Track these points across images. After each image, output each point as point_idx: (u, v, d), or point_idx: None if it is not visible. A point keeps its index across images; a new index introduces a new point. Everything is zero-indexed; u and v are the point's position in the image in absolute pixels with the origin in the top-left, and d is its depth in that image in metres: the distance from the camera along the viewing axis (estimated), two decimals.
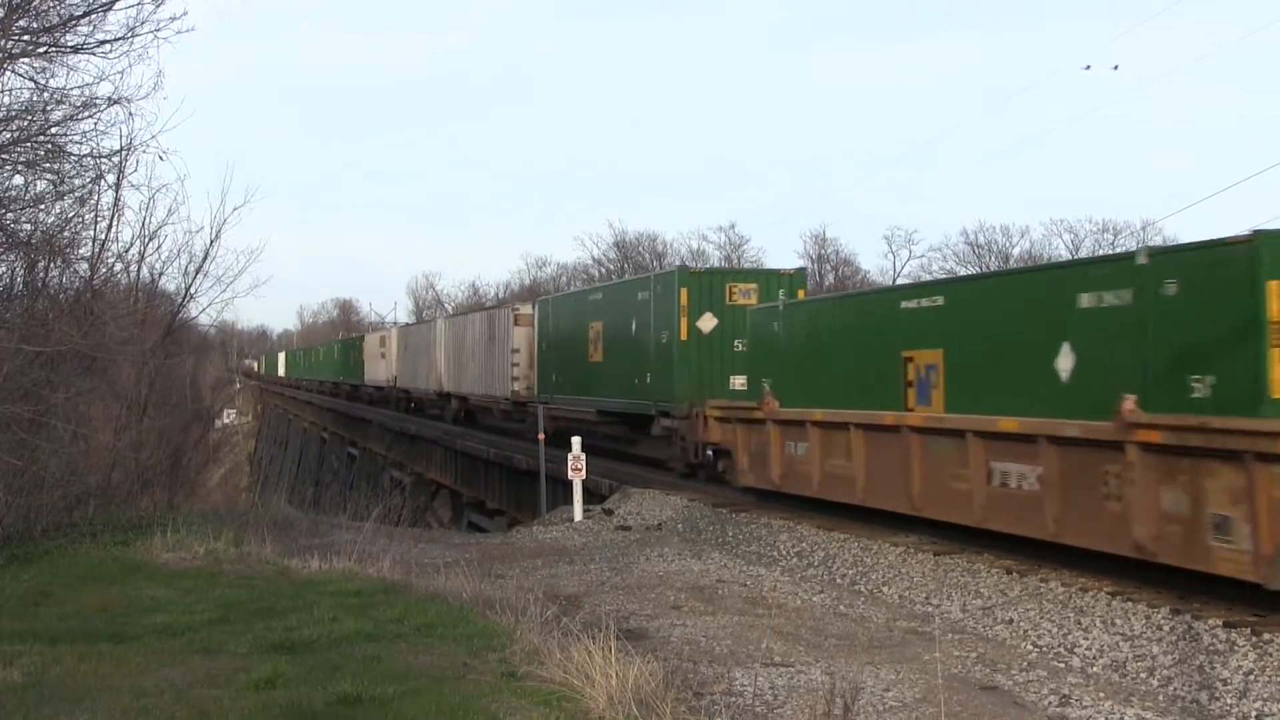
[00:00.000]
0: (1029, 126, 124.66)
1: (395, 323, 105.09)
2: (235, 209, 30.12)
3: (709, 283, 24.40)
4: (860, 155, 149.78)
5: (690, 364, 23.64)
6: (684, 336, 23.65)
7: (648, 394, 24.98)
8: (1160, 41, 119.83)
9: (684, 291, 23.94)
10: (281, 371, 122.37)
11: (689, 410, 22.67)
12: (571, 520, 21.33)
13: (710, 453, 22.15)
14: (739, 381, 22.86)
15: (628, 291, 27.69)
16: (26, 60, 16.09)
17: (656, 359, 24.65)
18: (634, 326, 26.25)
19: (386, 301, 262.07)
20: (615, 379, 27.12)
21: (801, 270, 26.02)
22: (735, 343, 23.41)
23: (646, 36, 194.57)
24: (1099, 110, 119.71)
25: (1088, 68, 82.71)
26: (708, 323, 23.74)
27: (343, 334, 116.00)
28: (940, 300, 15.85)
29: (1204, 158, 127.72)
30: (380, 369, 62.15)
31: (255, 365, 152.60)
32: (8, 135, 16.23)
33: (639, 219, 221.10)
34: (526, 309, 36.35)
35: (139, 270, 25.40)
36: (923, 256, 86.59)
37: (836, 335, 18.47)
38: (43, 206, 18.31)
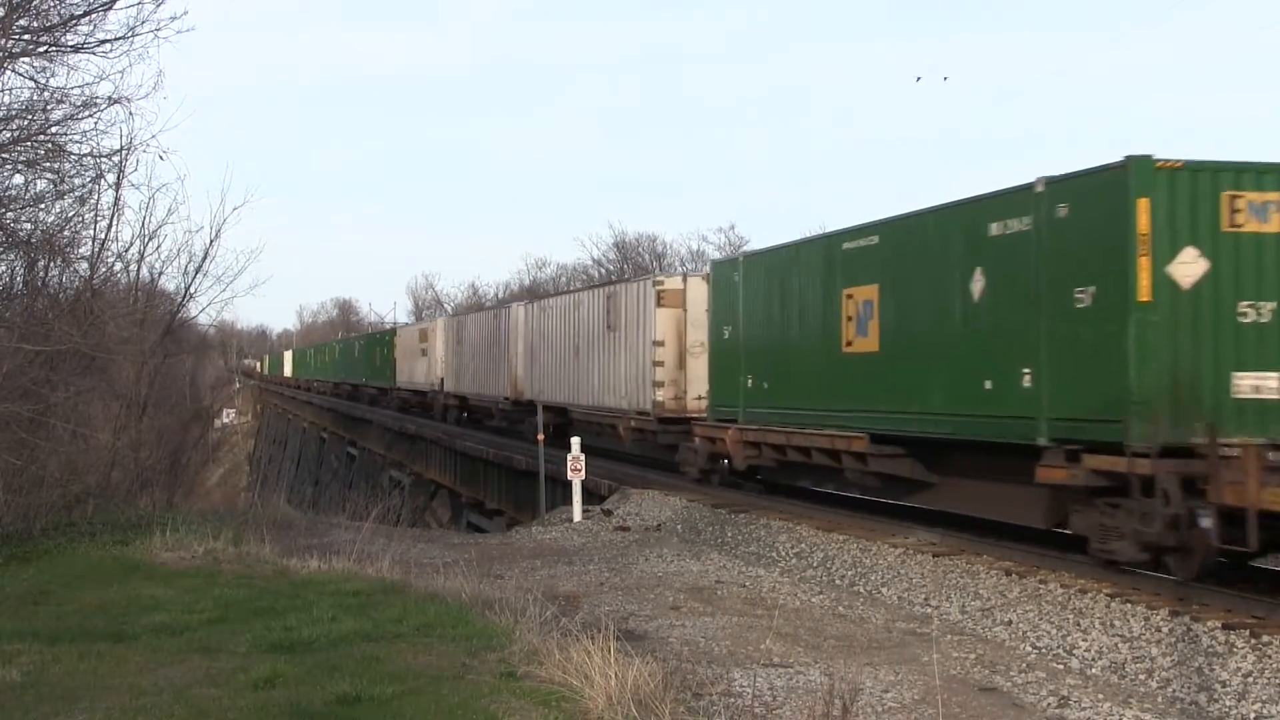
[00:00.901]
0: (1029, 123, 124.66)
1: (395, 322, 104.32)
2: (235, 209, 30.29)
3: (1191, 191, 12.68)
4: (860, 153, 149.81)
5: (1165, 347, 12.54)
6: (1145, 295, 12.46)
7: (1025, 404, 13.93)
8: (1160, 39, 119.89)
9: (1144, 208, 12.48)
10: (288, 371, 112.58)
11: (1207, 440, 11.86)
12: (571, 521, 21.32)
13: (1203, 522, 11.80)
14: (1252, 382, 12.51)
15: (960, 222, 15.58)
16: (27, 59, 16.11)
17: (1061, 340, 13.51)
18: (977, 285, 14.88)
19: (386, 302, 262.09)
20: (922, 381, 16.15)
21: None
22: (1241, 306, 12.60)
23: (646, 37, 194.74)
24: (1098, 107, 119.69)
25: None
26: (1191, 267, 12.59)
27: (342, 333, 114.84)
28: None
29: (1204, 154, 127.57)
30: (419, 369, 51.00)
31: (257, 365, 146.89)
32: (8, 134, 16.24)
33: (639, 220, 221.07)
34: (675, 283, 25.67)
35: (139, 270, 25.50)
36: None
37: None
38: (43, 206, 18.37)
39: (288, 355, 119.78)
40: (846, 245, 18.40)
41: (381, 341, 63.07)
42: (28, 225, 18.17)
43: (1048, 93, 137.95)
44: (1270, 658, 9.93)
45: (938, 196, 17.00)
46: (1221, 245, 12.68)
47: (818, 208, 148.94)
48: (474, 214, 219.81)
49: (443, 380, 46.53)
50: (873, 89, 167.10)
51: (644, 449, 21.72)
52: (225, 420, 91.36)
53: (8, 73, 16.05)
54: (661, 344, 25.18)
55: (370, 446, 54.37)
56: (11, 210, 17.40)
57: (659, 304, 25.44)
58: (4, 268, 19.13)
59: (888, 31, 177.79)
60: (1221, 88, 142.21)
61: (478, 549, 18.72)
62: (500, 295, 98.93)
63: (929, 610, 13.06)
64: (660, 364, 25.11)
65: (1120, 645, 10.87)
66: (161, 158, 25.87)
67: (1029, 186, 14.12)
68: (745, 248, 67.46)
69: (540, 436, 25.43)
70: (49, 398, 17.17)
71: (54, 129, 16.90)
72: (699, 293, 24.59)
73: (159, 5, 16.07)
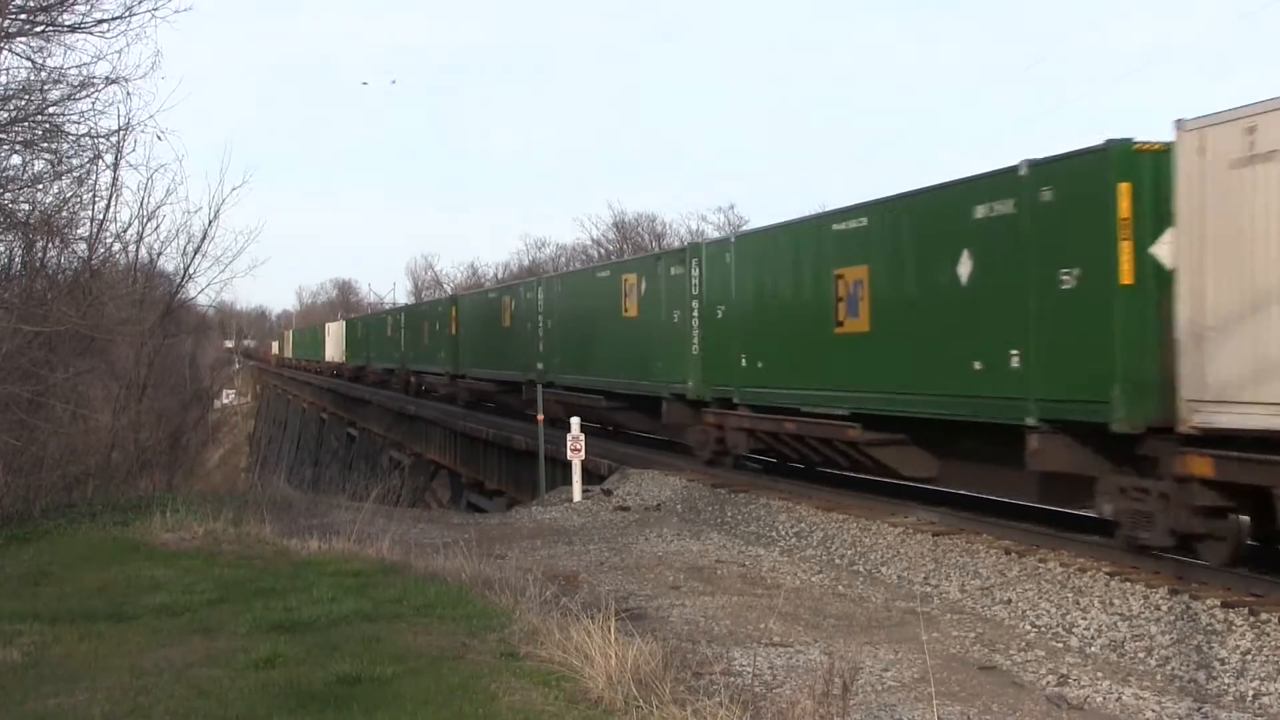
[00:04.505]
0: (1029, 106, 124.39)
1: (395, 302, 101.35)
2: (234, 189, 30.26)
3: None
4: (858, 135, 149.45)
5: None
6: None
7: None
8: (1161, 27, 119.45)
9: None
10: (332, 355, 77.72)
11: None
12: (570, 501, 21.34)
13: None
14: None
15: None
16: (24, 39, 16.08)
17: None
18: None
19: (385, 282, 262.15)
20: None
21: None
22: None
23: (645, 17, 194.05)
24: (1098, 93, 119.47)
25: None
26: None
27: (341, 314, 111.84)
28: None
29: None
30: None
31: (275, 347, 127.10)
32: (5, 115, 16.21)
33: (637, 200, 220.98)
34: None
35: (137, 250, 25.51)
36: None
37: None
38: (41, 186, 18.34)
39: (333, 329, 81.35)
40: None
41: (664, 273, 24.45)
42: (26, 206, 18.16)
43: (1045, 74, 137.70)
44: (1269, 635, 9.94)
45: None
46: None
47: (817, 186, 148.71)
48: (473, 195, 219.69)
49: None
50: (870, 70, 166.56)
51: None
52: (225, 401, 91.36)
53: (5, 53, 16.02)
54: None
55: (370, 427, 54.31)
56: (9, 191, 17.38)
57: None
58: (2, 248, 19.16)
59: (888, 12, 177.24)
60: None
61: (477, 529, 18.75)
62: (500, 275, 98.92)
63: (929, 589, 13.08)
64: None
65: (1119, 624, 10.89)
66: (160, 138, 25.85)
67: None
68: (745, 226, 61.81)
69: (539, 417, 25.41)
70: (48, 379, 17.18)
71: (51, 109, 16.88)
72: None
73: None
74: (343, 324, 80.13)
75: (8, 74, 16.51)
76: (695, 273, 22.51)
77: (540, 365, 31.80)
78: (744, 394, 20.61)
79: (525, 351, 33.45)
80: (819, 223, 18.71)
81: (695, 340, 22.38)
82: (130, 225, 24.74)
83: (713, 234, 67.72)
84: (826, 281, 17.76)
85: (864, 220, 17.16)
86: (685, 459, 24.12)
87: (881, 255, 16.59)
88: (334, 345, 77.82)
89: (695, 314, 22.52)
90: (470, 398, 41.26)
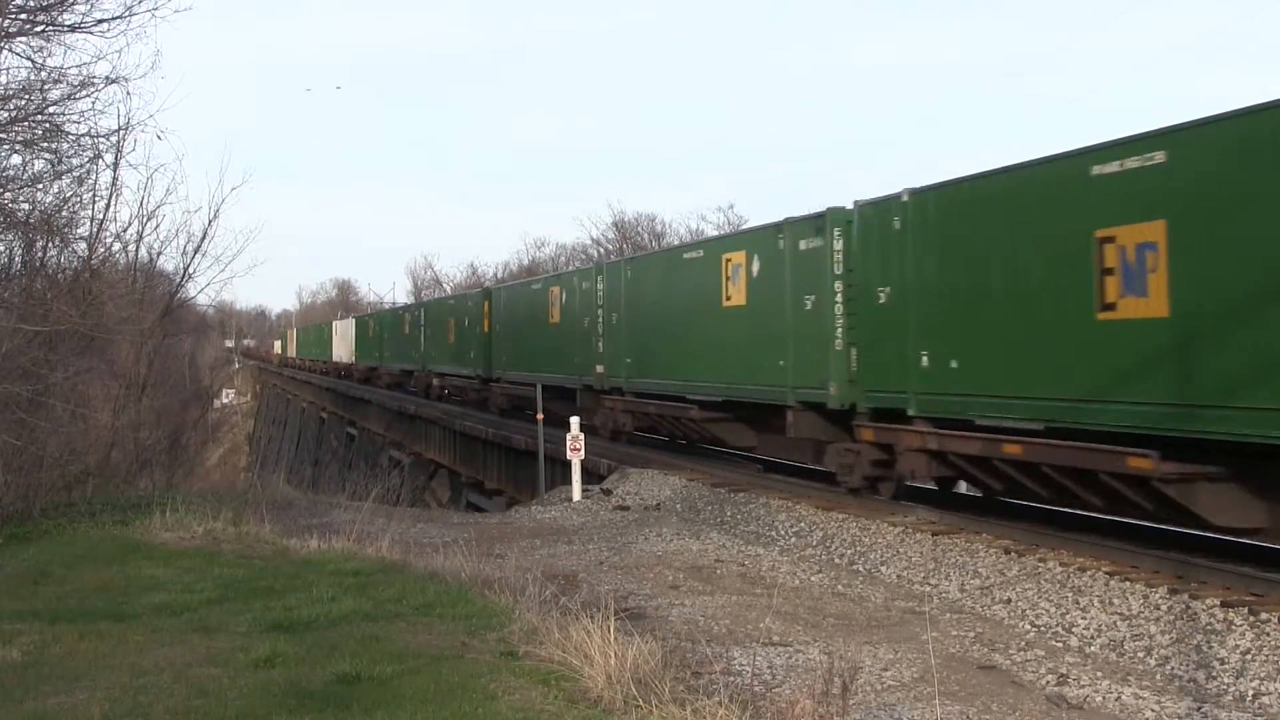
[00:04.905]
0: (1030, 104, 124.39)
1: (394, 302, 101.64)
2: (234, 189, 30.37)
3: None
4: (859, 135, 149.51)
5: None
6: None
7: None
8: (1164, 21, 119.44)
9: None
10: (340, 355, 70.59)
11: None
12: (570, 500, 21.33)
13: None
14: None
15: None
16: (24, 39, 16.08)
17: None
18: None
19: (385, 282, 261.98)
20: None
21: None
22: None
23: (645, 16, 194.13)
24: (1100, 89, 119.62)
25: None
26: None
27: (341, 313, 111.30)
28: None
29: None
30: None
31: (275, 346, 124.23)
32: (5, 114, 16.21)
33: (637, 199, 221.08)
34: None
35: (137, 250, 25.57)
36: None
37: None
38: (40, 186, 18.37)
39: (340, 328, 72.53)
40: None
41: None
42: (26, 205, 18.19)
43: (1047, 70, 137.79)
44: (1268, 635, 9.94)
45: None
46: None
47: (817, 186, 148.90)
48: (472, 194, 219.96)
49: None
50: (871, 68, 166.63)
51: None
52: (224, 401, 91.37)
53: (5, 52, 16.03)
54: None
55: (369, 426, 54.24)
56: (9, 190, 17.40)
57: None
58: (2, 248, 19.18)
59: (888, 9, 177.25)
60: None
61: (477, 528, 18.74)
62: (500, 275, 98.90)
63: (928, 589, 13.07)
64: None
65: (1119, 623, 10.88)
66: (159, 137, 25.97)
67: None
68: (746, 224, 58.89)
69: (539, 416, 25.41)
70: (48, 378, 17.19)
71: (51, 109, 16.89)
72: None
73: None
74: (352, 321, 72.70)
75: (8, 74, 16.54)
76: (839, 245, 17.51)
77: (600, 368, 27.19)
78: (925, 403, 15.47)
79: (581, 352, 28.53)
80: (1067, 163, 13.14)
81: (839, 332, 17.50)
82: (130, 225, 24.88)
83: (711, 232, 65.97)
84: (1083, 247, 12.66)
85: (1158, 155, 11.89)
86: (685, 458, 24.07)
87: (1195, 206, 11.47)
88: (342, 344, 71.16)
89: (839, 298, 17.56)
90: (507, 404, 36.03)
